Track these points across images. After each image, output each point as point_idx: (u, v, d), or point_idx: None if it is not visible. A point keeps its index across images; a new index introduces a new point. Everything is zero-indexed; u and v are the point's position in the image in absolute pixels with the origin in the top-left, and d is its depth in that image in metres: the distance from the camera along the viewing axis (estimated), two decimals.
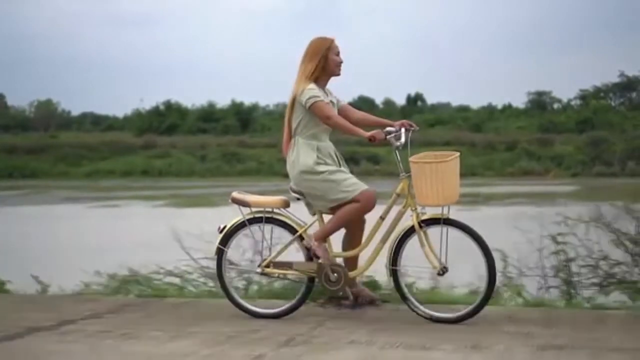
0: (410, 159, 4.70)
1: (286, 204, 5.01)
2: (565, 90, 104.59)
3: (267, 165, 37.62)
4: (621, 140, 37.24)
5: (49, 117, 63.81)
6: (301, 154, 4.83)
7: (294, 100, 4.87)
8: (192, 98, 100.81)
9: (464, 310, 4.76)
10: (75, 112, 68.82)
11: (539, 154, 37.78)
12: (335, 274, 4.84)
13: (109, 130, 55.78)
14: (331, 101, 4.92)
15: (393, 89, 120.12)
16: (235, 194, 5.06)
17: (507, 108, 57.04)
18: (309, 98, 4.76)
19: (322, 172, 4.77)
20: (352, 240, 4.97)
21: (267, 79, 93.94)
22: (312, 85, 4.82)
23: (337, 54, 4.91)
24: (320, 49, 4.85)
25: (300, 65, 4.91)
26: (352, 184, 4.76)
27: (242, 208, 5.05)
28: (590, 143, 37.12)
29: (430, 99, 64.75)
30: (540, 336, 4.38)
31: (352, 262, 4.98)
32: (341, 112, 5.00)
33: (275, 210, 5.02)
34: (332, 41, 4.89)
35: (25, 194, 29.14)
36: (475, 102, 63.74)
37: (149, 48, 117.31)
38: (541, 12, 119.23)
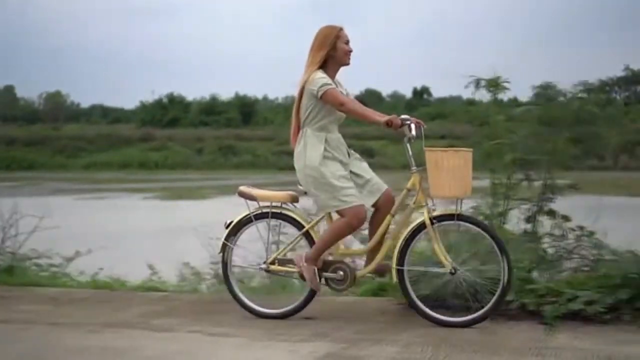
0: (426, 148, 4.54)
1: (294, 199, 4.87)
2: (572, 83, 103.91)
3: (262, 158, 37.83)
4: (616, 134, 37.23)
5: (57, 109, 64.10)
6: (308, 147, 4.66)
7: (302, 90, 4.70)
8: (204, 91, 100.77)
9: (476, 313, 4.53)
10: (85, 105, 69.27)
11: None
12: (341, 272, 4.71)
13: (116, 123, 56.18)
14: (340, 92, 4.73)
15: (401, 82, 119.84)
16: (242, 188, 4.94)
17: (513, 101, 56.89)
18: (321, 86, 4.59)
19: (325, 173, 4.59)
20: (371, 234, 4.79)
21: (277, 72, 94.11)
22: (322, 74, 4.65)
23: (347, 42, 4.74)
24: (329, 38, 4.69)
25: (309, 55, 4.74)
26: (348, 195, 4.57)
27: (249, 202, 4.91)
28: (583, 136, 37.10)
29: (442, 93, 64.73)
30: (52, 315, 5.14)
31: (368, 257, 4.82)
32: None
33: (283, 205, 4.89)
34: (340, 29, 4.73)
35: (20, 185, 29.43)
36: (486, 96, 62.94)
37: (162, 40, 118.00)
38: (549, 5, 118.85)
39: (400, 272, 4.60)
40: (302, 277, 4.72)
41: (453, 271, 4.54)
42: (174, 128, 48.22)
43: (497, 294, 4.47)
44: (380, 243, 4.73)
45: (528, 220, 5.43)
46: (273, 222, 4.94)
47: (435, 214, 4.56)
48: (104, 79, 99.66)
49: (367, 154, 34.95)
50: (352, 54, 4.78)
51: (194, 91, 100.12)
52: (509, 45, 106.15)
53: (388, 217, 4.71)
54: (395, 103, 53.27)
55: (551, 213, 5.41)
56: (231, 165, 37.71)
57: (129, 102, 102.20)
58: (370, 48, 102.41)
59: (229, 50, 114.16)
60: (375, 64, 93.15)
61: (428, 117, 46.94)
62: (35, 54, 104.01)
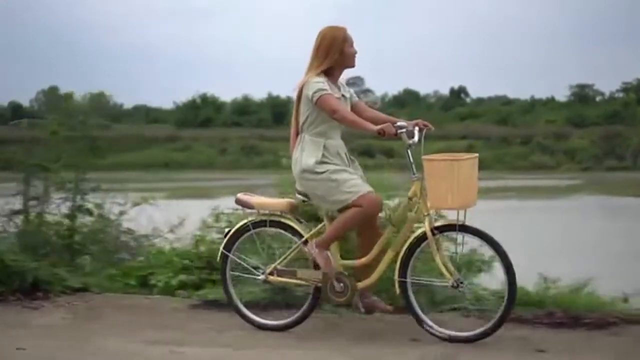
0: (424, 157, 4.33)
1: (293, 207, 4.71)
2: (612, 82, 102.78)
3: (283, 158, 38.16)
4: (637, 134, 37.11)
5: (100, 109, 64.57)
6: (305, 152, 4.50)
7: (300, 94, 4.54)
8: (243, 92, 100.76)
9: (482, 327, 4.35)
10: (129, 105, 69.51)
11: (553, 148, 37.88)
12: (341, 284, 4.52)
13: (154, 123, 56.86)
14: (343, 95, 4.59)
15: (442, 81, 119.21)
16: (240, 195, 4.79)
17: (550, 101, 56.54)
18: (316, 91, 4.42)
19: (323, 172, 4.42)
20: (363, 248, 4.59)
21: None
22: (320, 78, 4.47)
23: (352, 44, 4.57)
24: (336, 42, 4.49)
25: (313, 57, 4.54)
26: (354, 185, 4.39)
27: (248, 210, 4.78)
28: (604, 137, 37.10)
29: (485, 93, 64.36)
30: None
31: (364, 271, 4.58)
32: (353, 109, 4.62)
33: (282, 213, 4.73)
34: (345, 31, 4.54)
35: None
36: (526, 95, 62.02)
37: (206, 41, 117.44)
38: (590, 4, 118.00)
39: (402, 285, 4.44)
40: (315, 263, 4.55)
41: (455, 284, 4.34)
42: (206, 128, 48.74)
43: (503, 305, 4.28)
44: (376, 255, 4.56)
45: (69, 216, 6.12)
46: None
47: (437, 224, 4.40)
48: (149, 80, 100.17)
49: (386, 154, 35.21)
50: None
51: (233, 92, 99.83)
52: (551, 44, 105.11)
53: (389, 227, 4.56)
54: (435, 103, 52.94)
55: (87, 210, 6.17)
56: (253, 165, 37.99)
57: (170, 103, 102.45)
58: (411, 46, 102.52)
59: (268, 51, 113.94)
60: (415, 62, 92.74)
61: (459, 117, 47.08)
62: (81, 55, 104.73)
